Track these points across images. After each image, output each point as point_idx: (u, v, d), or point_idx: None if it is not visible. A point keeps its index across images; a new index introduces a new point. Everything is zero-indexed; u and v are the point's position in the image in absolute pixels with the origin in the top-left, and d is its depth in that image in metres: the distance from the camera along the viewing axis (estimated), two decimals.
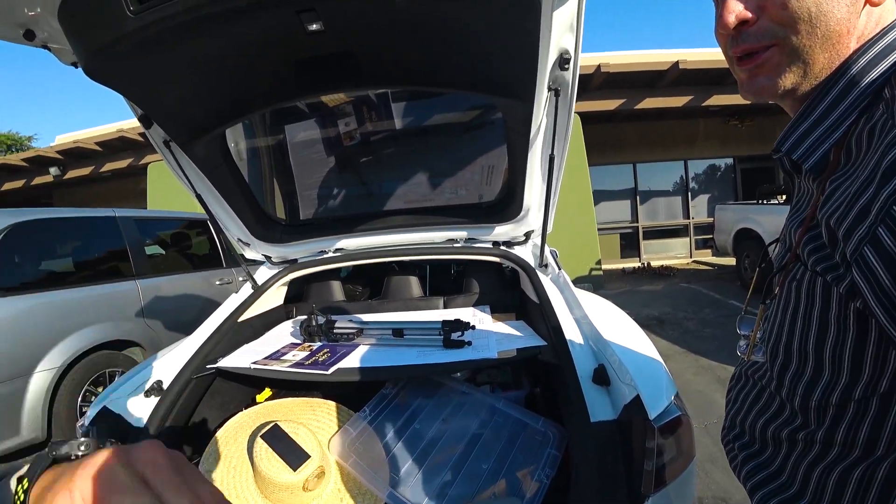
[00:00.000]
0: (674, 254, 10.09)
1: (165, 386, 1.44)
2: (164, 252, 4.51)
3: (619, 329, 1.41)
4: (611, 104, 7.69)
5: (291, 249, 2.06)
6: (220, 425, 1.41)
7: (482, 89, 1.37)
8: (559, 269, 1.88)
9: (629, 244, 10.10)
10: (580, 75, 1.43)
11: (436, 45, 1.20)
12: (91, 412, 1.36)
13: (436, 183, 2.17)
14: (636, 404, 1.03)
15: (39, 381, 2.90)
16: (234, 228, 1.92)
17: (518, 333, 1.59)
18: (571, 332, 1.39)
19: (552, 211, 1.77)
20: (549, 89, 1.31)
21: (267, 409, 1.40)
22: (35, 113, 63.11)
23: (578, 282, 7.23)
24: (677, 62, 6.95)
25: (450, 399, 1.46)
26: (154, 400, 1.40)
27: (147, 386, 1.43)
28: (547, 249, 1.92)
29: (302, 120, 2.13)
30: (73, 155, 9.40)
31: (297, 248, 2.06)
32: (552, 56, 1.20)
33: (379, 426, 1.36)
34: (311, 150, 2.21)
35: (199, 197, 1.72)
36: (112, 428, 1.32)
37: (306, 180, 2.25)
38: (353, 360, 1.42)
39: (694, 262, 9.81)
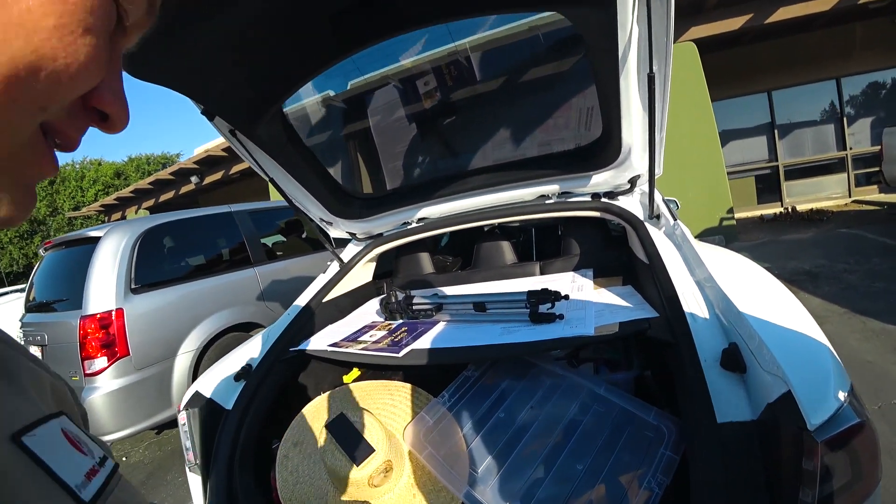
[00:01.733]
0: (826, 194, 8.51)
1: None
2: (283, 239, 4.84)
3: (761, 295, 1.07)
4: (734, 23, 6.34)
5: (374, 224, 1.98)
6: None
7: (547, 1, 1.10)
8: (675, 219, 1.55)
9: (768, 187, 8.72)
10: None
11: None
12: (186, 396, 1.41)
13: (523, 136, 1.94)
14: (786, 404, 0.74)
15: (183, 362, 3.31)
16: (313, 208, 1.89)
17: (623, 303, 1.32)
18: (691, 300, 1.10)
19: (660, 148, 1.44)
20: None
21: (343, 393, 1.33)
22: (179, 132, 73.46)
23: (707, 234, 6.45)
24: None
25: (542, 382, 1.26)
26: (243, 383, 1.40)
27: (237, 370, 1.45)
28: (659, 197, 1.60)
29: (378, 87, 2.03)
30: (207, 163, 10.57)
31: (380, 222, 1.97)
32: None
33: (459, 413, 1.22)
34: (389, 117, 2.11)
35: (272, 181, 1.69)
36: (203, 410, 1.34)
37: (387, 150, 2.16)
38: (429, 340, 1.29)
39: (854, 202, 8.19)
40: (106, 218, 14.58)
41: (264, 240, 4.41)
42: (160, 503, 2.71)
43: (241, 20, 1.06)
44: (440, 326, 1.39)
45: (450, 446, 1.13)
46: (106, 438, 3.00)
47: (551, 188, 1.75)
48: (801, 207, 8.14)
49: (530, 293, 1.27)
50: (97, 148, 64.00)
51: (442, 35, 1.84)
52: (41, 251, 3.94)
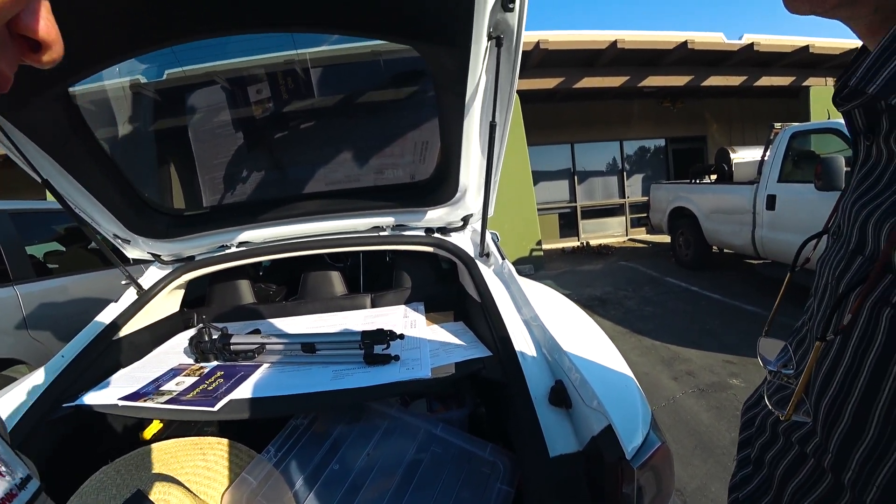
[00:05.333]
0: (611, 232, 10.29)
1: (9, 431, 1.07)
2: (62, 249, 3.91)
3: (578, 332, 1.19)
4: (550, 83, 7.54)
5: (185, 245, 1.70)
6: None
7: (403, 33, 1.08)
8: (503, 258, 1.65)
9: (568, 224, 10.16)
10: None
11: None
12: None
13: (360, 163, 1.87)
14: (607, 437, 0.81)
15: None
16: (104, 222, 1.54)
17: (456, 341, 1.34)
18: (521, 340, 1.16)
19: (493, 191, 1.53)
20: (490, 37, 1.04)
21: (139, 459, 1.07)
22: None
23: (519, 263, 7.22)
24: (615, 41, 6.91)
25: (377, 425, 1.19)
26: None
27: None
28: (490, 236, 1.69)
29: (202, 84, 1.76)
30: None
31: (193, 244, 1.70)
32: None
33: (288, 468, 1.08)
34: (211, 122, 1.85)
35: (46, 183, 1.32)
36: None
37: (206, 160, 1.87)
38: (249, 388, 1.11)
39: (630, 240, 10.05)
40: None
41: (32, 249, 3.49)
42: None
43: None
44: (263, 370, 1.22)
45: None
46: None
47: (386, 220, 1.73)
48: (593, 242, 9.66)
49: (364, 333, 1.20)
50: None
51: (282, 41, 1.70)
52: None
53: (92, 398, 1.16)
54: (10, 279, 3.04)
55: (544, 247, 7.99)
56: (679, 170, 10.11)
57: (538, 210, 7.71)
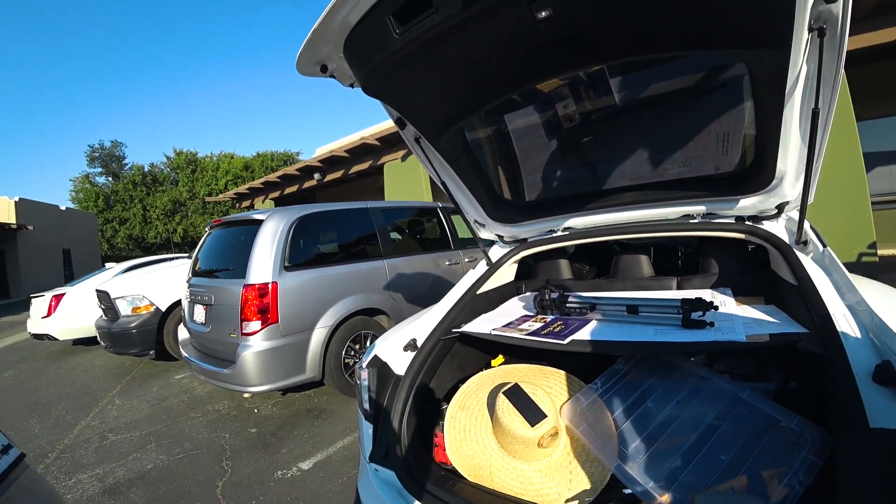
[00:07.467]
0: None
1: (419, 344, 1.72)
2: (400, 237, 5.29)
3: None
4: (887, 35, 5.65)
5: (522, 229, 2.20)
6: (462, 380, 1.64)
7: (726, 44, 1.23)
8: (824, 246, 1.59)
9: None
10: None
11: (668, 6, 1.13)
12: (366, 357, 1.72)
13: (664, 156, 2.03)
14: None
15: (318, 336, 3.77)
16: (471, 211, 2.16)
17: (769, 318, 1.42)
18: (842, 320, 1.18)
19: (815, 177, 1.50)
20: (811, 30, 1.09)
21: (504, 371, 1.57)
22: (300, 132, 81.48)
23: None
24: None
25: (685, 383, 1.39)
26: (410, 354, 1.68)
27: (405, 342, 1.74)
28: (807, 223, 1.65)
29: (522, 107, 2.24)
30: (330, 162, 11.60)
31: (528, 228, 2.18)
32: None
33: (609, 400, 1.39)
34: (535, 135, 2.31)
35: (443, 184, 1.98)
36: (381, 371, 1.64)
37: (533, 164, 2.35)
38: (587, 333, 1.48)
39: None
40: (238, 205, 16.45)
41: (392, 236, 4.83)
42: (288, 451, 3.14)
43: (458, 50, 1.33)
44: (594, 324, 1.57)
45: (602, 426, 1.31)
46: (250, 390, 3.53)
47: (697, 209, 1.84)
48: None
49: (684, 300, 1.41)
50: (230, 143, 74.16)
51: None
52: (207, 228, 4.65)
53: (471, 327, 1.73)
54: (382, 255, 4.36)
55: (881, 251, 6.23)
56: None
57: (873, 203, 6.00)
